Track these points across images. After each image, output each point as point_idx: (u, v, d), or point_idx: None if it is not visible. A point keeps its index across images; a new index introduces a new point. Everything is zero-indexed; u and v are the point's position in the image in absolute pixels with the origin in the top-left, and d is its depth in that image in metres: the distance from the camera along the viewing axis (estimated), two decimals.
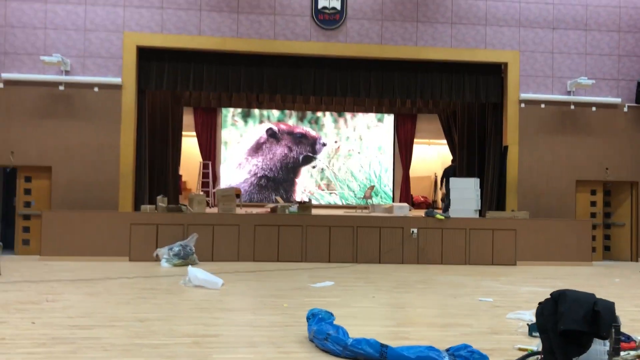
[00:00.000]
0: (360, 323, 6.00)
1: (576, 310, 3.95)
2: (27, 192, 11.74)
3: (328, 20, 12.17)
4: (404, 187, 17.18)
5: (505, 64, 12.61)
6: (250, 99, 15.08)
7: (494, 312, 6.85)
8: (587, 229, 11.80)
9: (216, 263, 10.59)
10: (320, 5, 12.13)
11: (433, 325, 6.19)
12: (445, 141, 15.91)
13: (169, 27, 11.84)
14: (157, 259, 10.45)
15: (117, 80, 11.63)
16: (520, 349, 5.10)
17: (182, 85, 12.18)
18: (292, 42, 12.12)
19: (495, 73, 12.82)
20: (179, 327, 5.84)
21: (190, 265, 9.06)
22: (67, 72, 11.57)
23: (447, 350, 4.76)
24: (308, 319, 5.47)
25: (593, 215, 12.95)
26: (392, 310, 7.05)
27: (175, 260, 10.24)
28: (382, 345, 4.78)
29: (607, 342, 4.34)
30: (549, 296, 4.22)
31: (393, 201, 16.84)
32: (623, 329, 4.49)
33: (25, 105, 11.48)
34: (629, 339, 5.17)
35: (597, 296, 4.16)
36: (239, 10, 11.99)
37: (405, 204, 14.35)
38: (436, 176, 18.67)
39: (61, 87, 11.50)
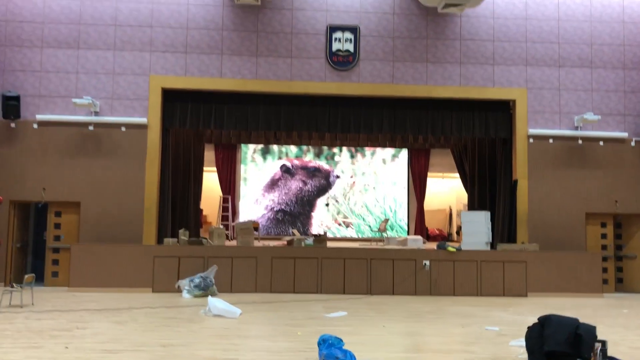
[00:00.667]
0: (368, 349, 6.38)
1: (560, 333, 4.33)
2: (57, 226, 12.38)
3: (342, 62, 12.82)
4: (418, 220, 17.53)
5: (514, 101, 13.08)
6: (268, 136, 15.71)
7: (499, 340, 7.16)
8: (597, 261, 12.03)
9: (235, 294, 11.02)
10: (334, 48, 12.80)
11: (439, 352, 6.55)
12: (458, 175, 16.31)
13: (192, 70, 12.58)
14: (179, 290, 10.92)
15: (143, 120, 12.34)
16: None
17: (204, 123, 12.86)
18: (307, 83, 12.76)
19: (504, 110, 13.29)
20: (199, 351, 6.29)
21: (210, 296, 9.52)
22: (96, 113, 12.31)
23: None
24: (319, 344, 5.88)
25: (604, 247, 13.16)
26: (401, 338, 7.41)
27: (196, 291, 10.70)
28: None
29: None
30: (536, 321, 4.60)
31: (408, 234, 17.19)
32: (624, 356, 4.85)
33: (57, 144, 12.21)
34: None
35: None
36: (257, 53, 12.71)
37: (419, 237, 14.70)
38: (451, 209, 19.00)
39: (91, 127, 12.24)
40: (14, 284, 9.85)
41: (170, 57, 12.57)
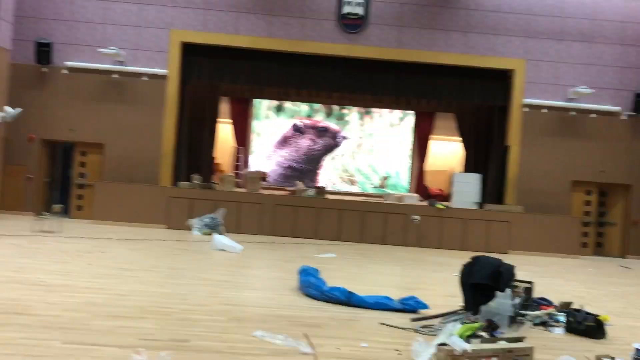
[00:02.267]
0: (343, 282, 7.46)
1: (485, 269, 5.35)
2: (82, 165, 13.59)
3: (351, 24, 13.55)
4: (419, 180, 18.44)
5: (512, 71, 13.76)
6: (280, 93, 16.59)
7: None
8: (576, 225, 12.95)
9: (240, 235, 12.12)
10: (344, 11, 13.52)
11: (401, 288, 7.60)
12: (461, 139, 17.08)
13: (210, 26, 13.44)
14: (190, 228, 12.10)
15: (163, 71, 13.32)
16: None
17: (220, 77, 13.82)
18: (318, 43, 13.56)
19: (502, 79, 13.99)
20: (201, 274, 7.46)
21: (215, 233, 10.69)
22: (120, 62, 13.29)
23: (399, 299, 6.21)
24: (299, 273, 6.97)
25: (587, 213, 14.03)
26: (375, 275, 8.51)
27: (205, 229, 11.87)
28: (349, 292, 6.26)
29: (516, 299, 5.75)
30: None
31: (408, 192, 18.12)
32: (568, 298, 5.93)
33: (84, 90, 13.27)
34: (550, 303, 6.48)
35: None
36: (272, 12, 13.49)
37: (416, 195, 15.65)
38: (452, 170, 19.83)
39: (115, 76, 13.25)
40: (44, 212, 11.11)
41: (190, 12, 13.42)
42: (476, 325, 5.03)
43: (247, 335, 4.86)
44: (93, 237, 10.30)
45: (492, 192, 14.13)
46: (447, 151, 20.03)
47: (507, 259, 11.73)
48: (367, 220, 12.74)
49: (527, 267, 10.52)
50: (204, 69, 13.68)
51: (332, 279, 7.10)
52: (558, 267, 11.05)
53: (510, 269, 5.35)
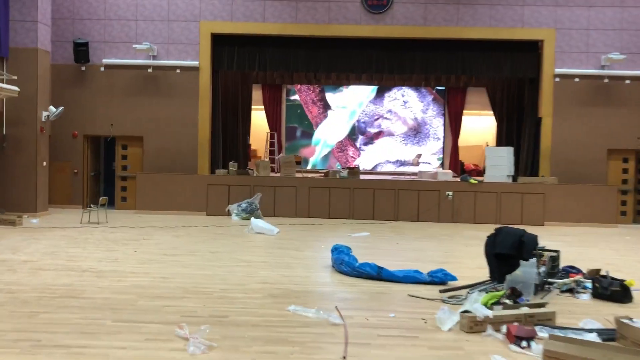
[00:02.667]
0: (375, 259, 7.71)
1: (508, 239, 5.53)
2: (124, 157, 14.16)
3: (376, 5, 13.63)
4: (453, 156, 18.46)
5: (542, 42, 13.61)
6: (309, 77, 16.81)
7: None
8: (613, 194, 12.83)
9: (277, 218, 12.49)
10: None
11: (432, 262, 7.78)
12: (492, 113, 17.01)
13: (238, 16, 13.73)
14: (229, 214, 12.54)
15: (195, 63, 13.71)
16: None
17: (250, 66, 14.15)
18: (344, 26, 13.70)
19: (532, 50, 13.85)
20: (239, 256, 7.86)
21: (253, 218, 11.08)
22: (154, 57, 13.75)
23: (428, 273, 6.44)
24: (332, 251, 7.27)
25: (625, 181, 13.83)
26: (407, 252, 8.74)
27: (243, 214, 12.29)
28: (379, 267, 6.53)
29: (542, 267, 5.91)
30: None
31: (442, 168, 18.18)
32: (601, 266, 6.08)
33: (121, 85, 13.80)
34: (579, 271, 6.60)
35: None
36: None
37: (450, 171, 15.72)
38: (487, 145, 19.74)
39: (149, 70, 13.72)
40: (91, 205, 11.71)
41: (218, 3, 13.74)
42: (500, 293, 5.24)
43: (281, 310, 5.19)
44: (137, 226, 10.84)
45: (527, 164, 14.10)
46: (481, 126, 19.92)
47: (543, 230, 11.88)
48: (400, 199, 12.93)
49: (561, 238, 10.61)
50: (235, 58, 14.02)
51: (365, 256, 7.36)
52: (594, 237, 11.03)
53: (533, 238, 5.51)
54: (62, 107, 12.50)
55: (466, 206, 12.81)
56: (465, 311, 4.72)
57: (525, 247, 5.45)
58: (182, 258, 7.66)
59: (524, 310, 4.80)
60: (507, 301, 5.11)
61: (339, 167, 12.56)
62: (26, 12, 12.01)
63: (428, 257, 8.33)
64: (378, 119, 18.65)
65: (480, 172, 18.86)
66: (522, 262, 5.54)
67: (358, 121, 18.71)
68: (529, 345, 4.24)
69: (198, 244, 8.89)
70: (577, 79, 13.52)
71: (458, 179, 13.92)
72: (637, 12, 13.47)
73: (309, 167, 18.25)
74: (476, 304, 4.75)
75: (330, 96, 18.81)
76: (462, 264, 7.61)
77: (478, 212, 12.75)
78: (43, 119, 12.14)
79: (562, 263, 6.62)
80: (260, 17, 13.73)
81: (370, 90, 18.58)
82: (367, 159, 18.58)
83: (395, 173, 17.23)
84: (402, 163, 18.46)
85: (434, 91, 18.59)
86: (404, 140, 18.65)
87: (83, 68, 13.72)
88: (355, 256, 6.92)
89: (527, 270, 5.66)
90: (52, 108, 12.30)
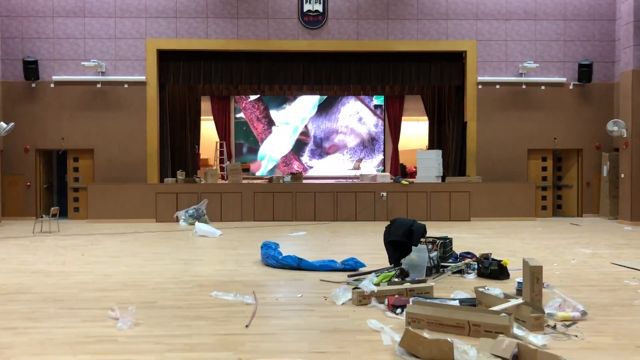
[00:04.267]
0: (306, 254, 8.62)
1: (400, 229, 6.52)
2: (76, 169, 14.74)
3: (312, 21, 14.63)
4: (394, 160, 19.60)
5: (465, 52, 14.83)
6: (253, 88, 17.70)
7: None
8: (531, 190, 14.10)
9: (224, 222, 13.32)
10: (305, 9, 14.58)
11: (354, 254, 8.74)
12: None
13: (182, 33, 14.53)
14: (177, 220, 13.28)
15: (142, 78, 14.43)
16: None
17: (195, 79, 14.94)
18: (283, 41, 14.64)
19: (457, 60, 15.07)
20: (179, 256, 8.66)
21: (197, 222, 11.87)
22: (102, 73, 14.41)
23: (342, 261, 7.39)
24: (261, 247, 8.15)
25: (544, 178, 15.15)
26: (333, 246, 9.68)
27: (190, 220, 13.03)
28: (300, 259, 7.44)
29: (434, 252, 6.92)
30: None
31: (383, 172, 19.28)
32: (501, 252, 7.09)
33: (71, 101, 14.40)
34: (473, 256, 7.64)
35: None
36: (238, 16, 14.57)
37: (387, 174, 16.81)
38: (427, 148, 20.96)
39: (98, 85, 14.38)
40: (43, 215, 12.31)
41: (163, 21, 14.51)
42: (391, 274, 6.22)
43: (205, 296, 6.05)
44: (88, 233, 11.50)
45: (455, 165, 15.29)
46: (421, 131, 21.13)
47: (469, 225, 13.02)
48: (339, 200, 13.91)
49: (482, 231, 11.78)
50: (181, 72, 14.80)
51: (298, 252, 8.19)
52: (511, 229, 12.20)
53: (421, 227, 6.52)
54: (13, 123, 13.06)
55: (399, 205, 13.87)
56: (356, 288, 5.67)
57: (414, 234, 6.45)
58: (125, 259, 8.42)
59: (406, 285, 5.77)
60: (396, 280, 6.09)
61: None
62: None
63: (349, 249, 9.29)
64: (332, 134, 19.69)
65: None
66: (416, 247, 6.54)
67: (315, 136, 19.75)
68: (402, 312, 5.20)
69: (143, 247, 9.65)
70: (497, 86, 14.78)
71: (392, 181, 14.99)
72: (548, 25, 14.83)
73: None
74: (365, 281, 5.70)
75: (274, 113, 19.82)
76: (379, 255, 8.53)
77: (410, 210, 13.81)
78: None
79: (476, 251, 7.76)
80: (203, 34, 14.56)
81: (312, 107, 19.67)
82: (316, 172, 19.61)
83: (337, 177, 18.23)
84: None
85: (373, 99, 19.79)
86: (354, 155, 19.74)
87: (33, 85, 14.28)
88: (280, 251, 7.82)
89: (420, 255, 6.67)
90: (2, 124, 12.84)
